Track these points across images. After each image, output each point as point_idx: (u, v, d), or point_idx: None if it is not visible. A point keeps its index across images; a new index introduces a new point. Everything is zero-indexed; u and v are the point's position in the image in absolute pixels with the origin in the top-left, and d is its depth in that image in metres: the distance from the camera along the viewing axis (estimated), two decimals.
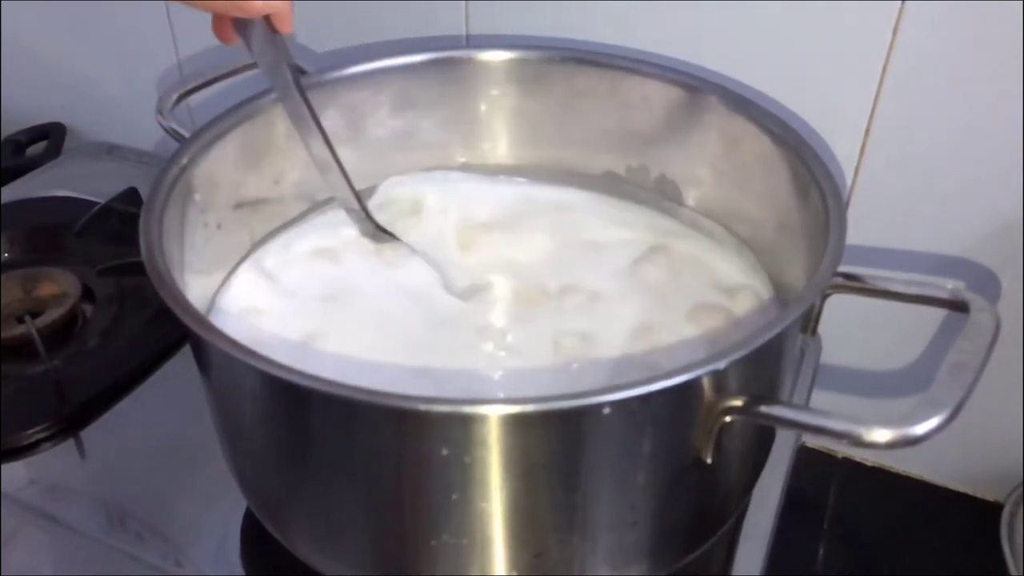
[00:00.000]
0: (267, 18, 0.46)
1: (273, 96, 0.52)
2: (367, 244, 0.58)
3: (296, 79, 0.49)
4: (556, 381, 0.49)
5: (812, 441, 0.69)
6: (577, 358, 0.50)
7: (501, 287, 0.56)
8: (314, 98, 0.57)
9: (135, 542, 0.52)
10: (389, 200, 0.61)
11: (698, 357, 0.38)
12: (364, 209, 0.56)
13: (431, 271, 0.56)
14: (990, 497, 0.68)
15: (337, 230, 0.59)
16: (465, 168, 0.64)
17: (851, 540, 0.67)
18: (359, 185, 0.62)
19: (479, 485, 0.39)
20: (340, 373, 0.38)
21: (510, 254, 0.58)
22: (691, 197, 0.60)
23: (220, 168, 0.53)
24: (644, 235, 0.59)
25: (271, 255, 0.57)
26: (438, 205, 0.61)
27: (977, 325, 0.42)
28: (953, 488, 0.69)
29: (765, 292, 0.54)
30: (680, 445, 0.41)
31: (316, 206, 0.61)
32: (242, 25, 0.47)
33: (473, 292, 0.55)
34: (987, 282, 0.61)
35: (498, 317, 0.54)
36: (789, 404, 0.41)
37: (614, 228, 0.60)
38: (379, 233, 0.57)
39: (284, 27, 0.46)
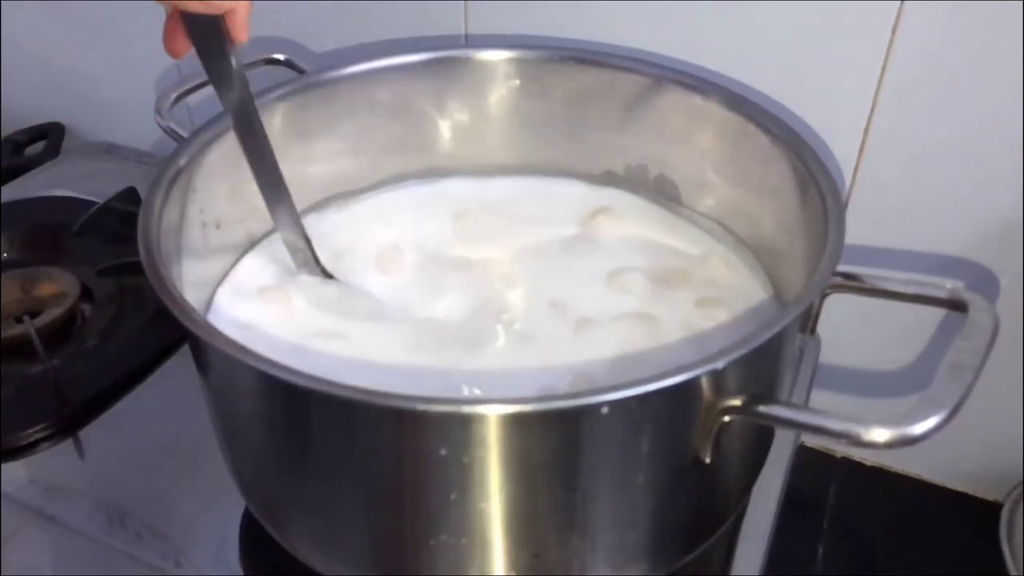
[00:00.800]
0: (224, 24, 0.42)
1: (227, 122, 0.48)
2: (365, 244, 0.58)
3: (248, 96, 0.45)
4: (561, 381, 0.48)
5: (811, 441, 0.69)
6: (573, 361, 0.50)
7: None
8: (313, 98, 0.58)
9: (134, 542, 0.52)
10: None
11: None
12: (311, 250, 0.53)
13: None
14: (989, 496, 0.68)
15: (333, 230, 0.59)
16: (462, 168, 0.64)
17: (850, 539, 0.67)
18: (357, 184, 0.62)
19: (478, 485, 0.39)
20: (339, 373, 0.38)
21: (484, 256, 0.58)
22: (690, 196, 0.60)
23: (218, 168, 0.53)
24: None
25: (269, 255, 0.57)
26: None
27: (976, 325, 0.42)
28: (952, 487, 0.69)
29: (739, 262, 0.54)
30: (679, 445, 0.41)
31: (312, 207, 0.61)
32: (198, 35, 0.43)
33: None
34: (986, 282, 0.61)
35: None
36: (788, 404, 0.41)
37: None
38: (324, 277, 0.54)
39: (240, 33, 0.42)
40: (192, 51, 0.44)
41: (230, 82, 0.45)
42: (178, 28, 0.43)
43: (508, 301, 0.54)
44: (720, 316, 0.52)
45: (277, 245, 0.58)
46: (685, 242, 0.59)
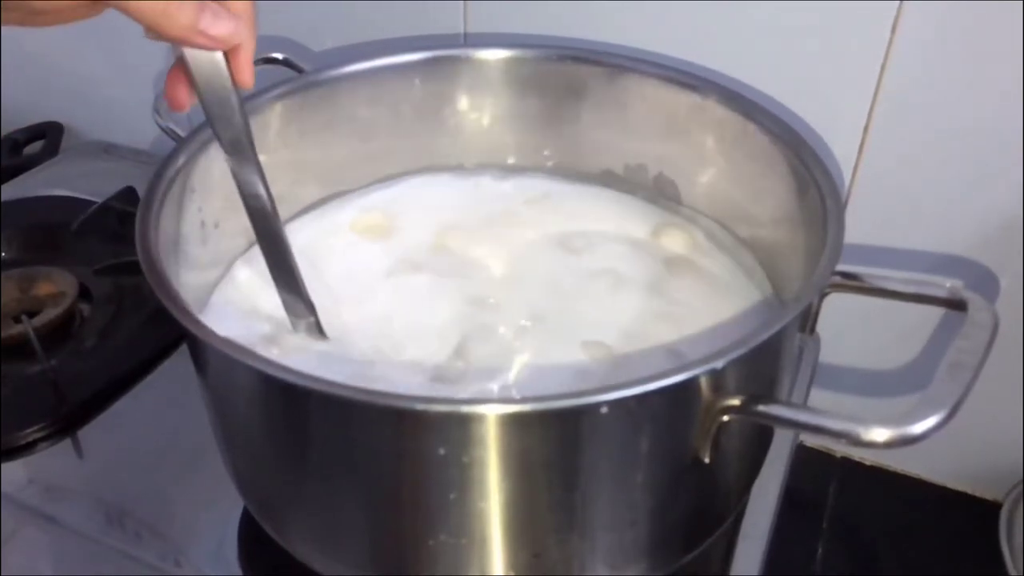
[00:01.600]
0: (228, 62, 0.40)
1: (227, 163, 0.45)
2: (364, 243, 0.58)
3: (252, 148, 0.43)
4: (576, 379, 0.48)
5: (811, 440, 0.69)
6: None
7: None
8: (312, 97, 0.58)
9: (133, 542, 0.52)
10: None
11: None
12: (303, 294, 0.49)
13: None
14: (989, 496, 0.68)
15: (332, 229, 0.58)
16: (460, 167, 0.64)
17: (850, 539, 0.67)
18: (354, 185, 0.62)
19: (477, 485, 0.39)
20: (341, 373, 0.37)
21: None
22: (689, 196, 0.60)
23: (217, 167, 0.53)
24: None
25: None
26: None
27: (975, 324, 0.42)
28: (952, 487, 0.69)
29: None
30: (678, 444, 0.41)
31: (311, 205, 0.61)
32: (202, 75, 0.40)
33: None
34: (985, 281, 0.61)
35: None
36: (787, 403, 0.41)
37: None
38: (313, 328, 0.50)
39: (243, 77, 0.40)
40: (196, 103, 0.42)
41: (239, 131, 0.42)
42: (181, 78, 0.40)
43: (507, 300, 0.54)
44: (719, 314, 0.52)
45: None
46: (683, 238, 0.59)
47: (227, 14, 0.37)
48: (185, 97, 0.41)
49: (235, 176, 0.45)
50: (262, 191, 0.45)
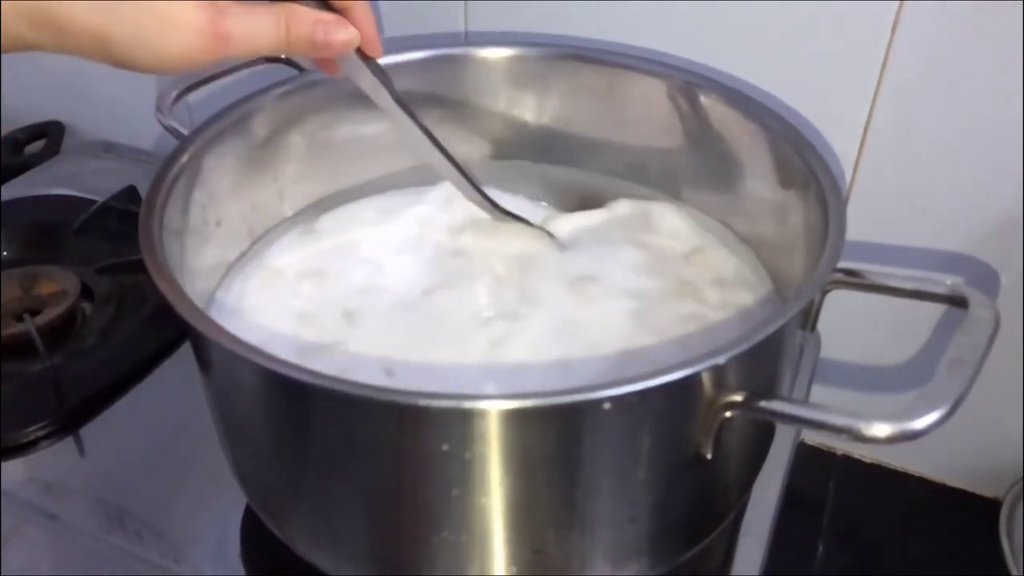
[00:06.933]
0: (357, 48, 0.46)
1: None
2: (364, 242, 0.58)
3: (398, 97, 0.50)
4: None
5: (811, 438, 0.69)
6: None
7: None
8: (312, 96, 0.58)
9: (134, 540, 0.52)
10: None
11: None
12: (488, 199, 0.56)
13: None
14: (989, 493, 0.68)
15: (332, 227, 0.59)
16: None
17: (850, 537, 0.67)
18: (354, 183, 0.62)
19: (479, 481, 0.39)
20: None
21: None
22: (690, 194, 0.60)
23: (219, 165, 0.53)
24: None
25: (269, 252, 0.57)
26: None
27: (976, 320, 0.42)
28: (952, 485, 0.69)
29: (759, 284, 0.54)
30: (680, 441, 0.41)
31: (310, 205, 0.61)
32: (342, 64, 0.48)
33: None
34: (986, 278, 0.61)
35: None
36: (789, 399, 0.41)
37: None
38: (506, 217, 0.57)
39: (374, 52, 0.47)
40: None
41: (383, 88, 0.48)
42: (328, 62, 0.47)
43: (506, 299, 0.54)
44: (720, 312, 0.52)
45: (276, 242, 0.58)
46: (683, 236, 0.59)
47: (336, 23, 0.42)
48: (333, 68, 0.48)
49: (396, 124, 0.51)
50: (421, 132, 0.52)
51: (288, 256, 0.57)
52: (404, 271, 0.56)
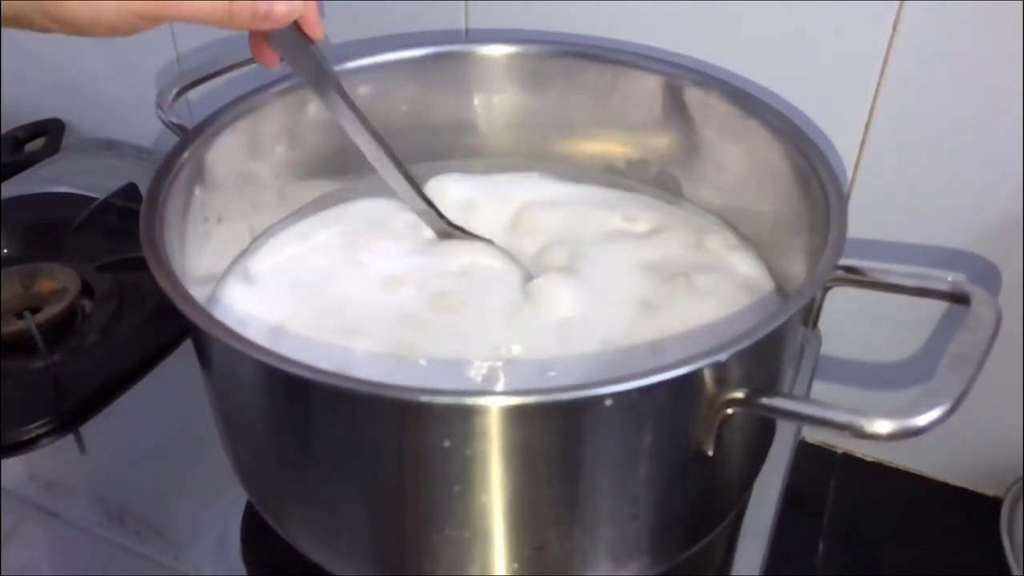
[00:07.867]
0: (297, 26, 0.46)
1: (321, 104, 0.51)
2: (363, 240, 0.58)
3: (339, 87, 0.49)
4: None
5: (812, 436, 0.69)
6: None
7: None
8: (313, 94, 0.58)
9: (134, 538, 0.52)
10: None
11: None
12: (434, 208, 0.56)
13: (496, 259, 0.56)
14: (990, 492, 0.68)
15: (333, 226, 0.59)
16: (464, 165, 0.64)
17: (851, 535, 0.67)
18: (353, 182, 0.62)
19: (480, 478, 0.39)
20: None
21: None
22: (691, 191, 0.60)
23: (220, 162, 0.53)
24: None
25: (271, 249, 0.57)
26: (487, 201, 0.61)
27: (978, 317, 0.42)
28: (953, 483, 0.69)
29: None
30: (681, 438, 0.41)
31: (310, 205, 0.61)
32: (277, 39, 0.47)
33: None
34: (988, 275, 0.61)
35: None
36: (791, 396, 0.41)
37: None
38: (451, 230, 0.57)
39: (314, 32, 0.46)
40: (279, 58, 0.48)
41: (324, 76, 0.49)
42: (262, 42, 0.48)
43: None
44: (721, 308, 0.52)
45: (276, 239, 0.58)
46: (684, 234, 0.59)
47: None
48: (270, 56, 0.48)
49: (335, 116, 0.51)
50: (362, 126, 0.51)
51: (287, 254, 0.57)
52: (404, 267, 0.56)
